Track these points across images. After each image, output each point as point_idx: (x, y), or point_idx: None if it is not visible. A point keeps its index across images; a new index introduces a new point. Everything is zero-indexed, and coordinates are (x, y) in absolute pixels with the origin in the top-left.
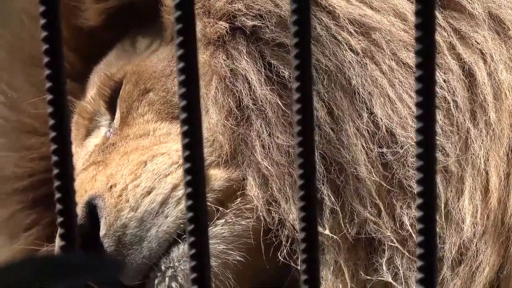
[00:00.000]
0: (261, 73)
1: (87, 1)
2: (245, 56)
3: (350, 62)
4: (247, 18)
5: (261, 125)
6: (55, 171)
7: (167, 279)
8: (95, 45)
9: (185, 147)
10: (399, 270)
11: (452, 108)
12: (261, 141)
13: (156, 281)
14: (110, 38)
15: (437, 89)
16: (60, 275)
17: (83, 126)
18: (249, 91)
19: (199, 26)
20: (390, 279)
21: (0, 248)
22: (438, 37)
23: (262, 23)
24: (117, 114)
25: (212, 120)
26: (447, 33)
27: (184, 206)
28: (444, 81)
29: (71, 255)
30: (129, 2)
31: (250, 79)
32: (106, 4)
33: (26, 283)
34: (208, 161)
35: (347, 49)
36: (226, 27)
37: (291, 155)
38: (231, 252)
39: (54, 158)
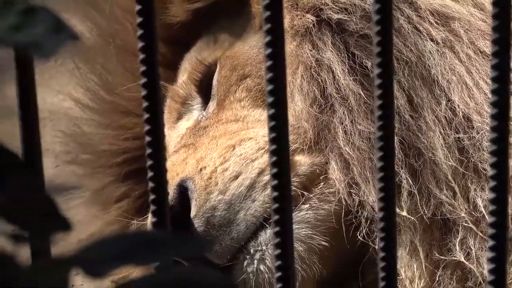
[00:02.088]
0: (345, 63)
1: (176, 1)
2: (330, 47)
3: (430, 52)
4: (333, 11)
5: (344, 113)
6: (148, 150)
7: (255, 261)
8: (183, 35)
9: (272, 130)
10: (472, 250)
11: None
12: (344, 127)
13: (245, 263)
14: (198, 28)
15: None
16: (152, 250)
17: (175, 109)
18: (333, 80)
19: (287, 18)
20: (462, 259)
21: (93, 218)
22: None
23: (347, 17)
24: (212, 98)
25: (298, 107)
26: None
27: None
28: None
29: (162, 232)
30: (215, 1)
31: (334, 69)
32: (193, 5)
33: (120, 257)
34: (293, 147)
35: (427, 39)
36: (313, 20)
37: (372, 141)
38: (315, 236)
39: (148, 139)
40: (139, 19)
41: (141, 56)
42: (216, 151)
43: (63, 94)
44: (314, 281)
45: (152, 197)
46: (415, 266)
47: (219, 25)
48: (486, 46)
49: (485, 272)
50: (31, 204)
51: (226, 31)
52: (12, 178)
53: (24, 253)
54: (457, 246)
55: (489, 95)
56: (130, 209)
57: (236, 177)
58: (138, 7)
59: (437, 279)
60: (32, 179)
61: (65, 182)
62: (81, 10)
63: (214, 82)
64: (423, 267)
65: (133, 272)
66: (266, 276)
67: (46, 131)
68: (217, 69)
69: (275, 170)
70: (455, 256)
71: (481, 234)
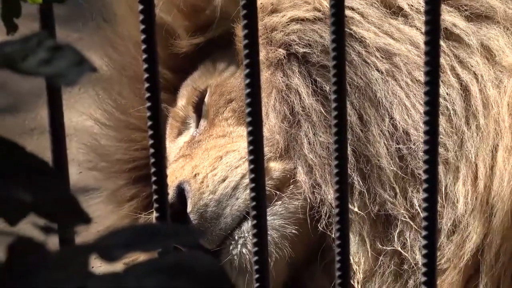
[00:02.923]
0: (308, 87)
1: (182, 36)
2: (297, 75)
3: (376, 80)
4: (299, 47)
5: (308, 127)
6: (152, 160)
7: (239, 246)
8: (185, 65)
9: (251, 143)
10: (407, 240)
11: (452, 115)
12: (308, 139)
13: (231, 247)
14: (196, 59)
15: (441, 100)
16: (155, 239)
17: (176, 127)
18: (299, 101)
19: (263, 52)
20: (399, 248)
21: (109, 214)
22: (442, 61)
23: (310, 51)
24: (204, 118)
25: (271, 123)
26: (449, 58)
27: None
28: (447, 94)
29: (163, 224)
30: (213, 37)
31: (301, 92)
32: (197, 39)
33: (130, 245)
34: (268, 156)
35: (374, 69)
36: (283, 53)
37: (330, 150)
38: (287, 226)
39: (151, 150)
40: (144, 55)
41: (146, 84)
42: (207, 161)
43: (85, 115)
44: (285, 261)
45: (155, 196)
46: (361, 253)
47: (212, 58)
48: (421, 76)
49: (418, 257)
50: (59, 202)
51: (217, 63)
52: (43, 182)
53: (52, 242)
54: (395, 238)
55: (423, 115)
56: (139, 206)
57: (223, 180)
58: (144, 46)
59: (378, 263)
60: (60, 182)
61: (87, 185)
62: (99, 47)
63: (206, 104)
64: (369, 254)
65: (140, 256)
66: (247, 257)
67: (71, 145)
68: (208, 94)
69: (253, 175)
70: (393, 246)
71: (415, 227)
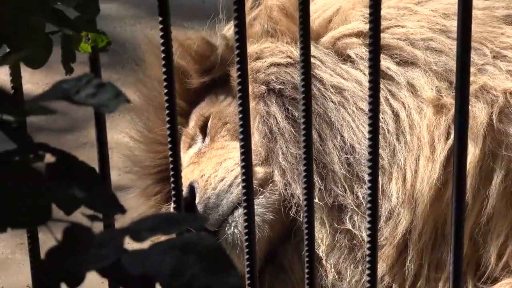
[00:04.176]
0: (283, 113)
1: (193, 76)
2: (274, 104)
3: (331, 108)
4: (276, 84)
5: (282, 142)
6: (171, 165)
7: (232, 227)
8: (195, 97)
9: (241, 153)
10: (356, 222)
11: (386, 133)
12: (282, 150)
13: (226, 228)
14: (202, 94)
15: (381, 125)
16: (173, 224)
17: (187, 142)
18: (276, 123)
19: (249, 88)
20: (350, 227)
21: (140, 205)
22: (381, 94)
23: (284, 86)
24: (207, 136)
25: (256, 139)
26: (385, 92)
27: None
28: (383, 118)
29: (179, 213)
30: (215, 77)
31: (277, 117)
32: (205, 79)
33: (155, 228)
34: (254, 163)
35: (329, 101)
36: (265, 88)
37: (298, 158)
38: (267, 213)
39: (170, 159)
40: (165, 90)
41: (166, 111)
42: (210, 166)
43: (123, 133)
44: (266, 240)
45: (173, 192)
46: (323, 232)
47: (214, 92)
48: (363, 106)
49: (364, 235)
50: (102, 197)
51: (217, 96)
52: (91, 182)
53: (97, 227)
54: (347, 220)
55: (366, 133)
56: (162, 200)
57: (222, 179)
58: (164, 83)
59: (336, 239)
60: (103, 183)
61: (124, 184)
62: (133, 85)
63: (209, 126)
64: (328, 232)
65: (162, 237)
66: (239, 236)
67: (113, 155)
68: (210, 119)
69: (243, 177)
70: (346, 226)
71: (361, 213)
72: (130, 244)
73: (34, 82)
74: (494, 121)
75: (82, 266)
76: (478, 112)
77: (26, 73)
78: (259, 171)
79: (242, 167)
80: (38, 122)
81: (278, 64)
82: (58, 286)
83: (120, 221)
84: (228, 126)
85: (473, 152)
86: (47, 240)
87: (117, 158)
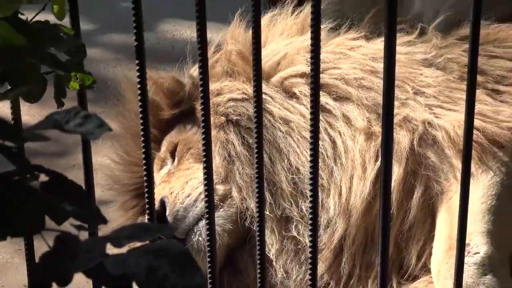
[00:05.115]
0: (239, 140)
1: (165, 109)
2: (232, 132)
3: (279, 137)
4: (233, 116)
5: (238, 164)
6: (145, 184)
7: (197, 236)
8: (166, 127)
9: (205, 174)
10: (300, 230)
11: (325, 157)
12: (239, 171)
13: (192, 236)
14: (173, 124)
15: (320, 151)
16: (147, 232)
17: (159, 165)
18: (233, 149)
19: (212, 119)
20: (295, 234)
21: (119, 217)
22: (321, 125)
23: (240, 118)
24: (176, 159)
25: (217, 161)
26: (324, 123)
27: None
28: (322, 145)
29: (152, 223)
30: (183, 110)
31: (234, 143)
32: (175, 111)
33: (131, 237)
34: (215, 181)
35: (278, 130)
36: (224, 119)
37: (252, 178)
38: (226, 223)
39: (145, 178)
40: (141, 122)
41: (142, 138)
42: (178, 184)
43: (106, 156)
44: (225, 245)
45: (147, 206)
46: (273, 238)
47: (182, 122)
48: (306, 135)
49: (306, 241)
50: (88, 210)
51: (185, 126)
52: (78, 198)
53: (83, 235)
54: (293, 228)
55: (308, 157)
56: (138, 212)
57: (188, 195)
58: (140, 115)
59: (284, 244)
60: (88, 198)
61: (106, 199)
62: (114, 116)
63: (177, 151)
64: (277, 239)
65: (137, 243)
66: (202, 243)
67: (97, 175)
68: (178, 145)
69: (206, 193)
70: (292, 234)
71: (304, 223)
72: (111, 250)
73: (31, 114)
74: (415, 146)
75: (71, 268)
76: (402, 139)
77: (24, 107)
78: (220, 188)
79: (205, 185)
80: (34, 148)
81: (235, 99)
82: (50, 286)
83: (103, 230)
84: (192, 151)
85: (397, 171)
86: (41, 246)
87: (100, 178)
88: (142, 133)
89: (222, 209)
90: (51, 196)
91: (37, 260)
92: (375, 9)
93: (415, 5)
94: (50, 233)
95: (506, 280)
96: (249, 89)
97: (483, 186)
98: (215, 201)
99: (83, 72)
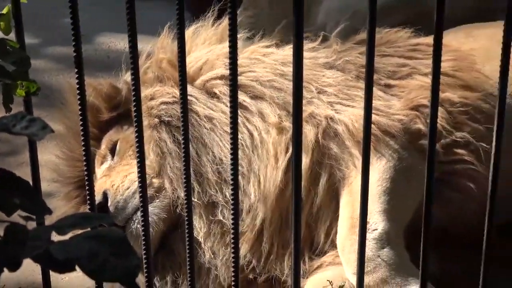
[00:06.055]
0: (170, 138)
1: (104, 111)
2: (164, 131)
3: (204, 133)
4: (165, 117)
5: (170, 159)
6: (86, 178)
7: (135, 224)
8: (106, 126)
9: (138, 167)
10: (225, 214)
11: (244, 148)
12: (170, 166)
13: (130, 224)
14: (111, 124)
15: (240, 142)
16: (89, 221)
17: (100, 161)
18: (165, 145)
19: (146, 121)
20: (221, 218)
21: (63, 207)
22: (239, 120)
23: (171, 118)
24: (116, 155)
25: (151, 157)
26: (242, 118)
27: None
28: (241, 137)
29: (93, 213)
30: (121, 112)
31: (166, 141)
32: (113, 113)
33: (74, 224)
34: (150, 175)
35: (203, 127)
36: (157, 120)
37: (181, 171)
38: (161, 212)
39: (85, 173)
40: (81, 122)
41: (82, 138)
42: (119, 178)
43: (51, 153)
44: (160, 231)
45: (88, 197)
46: (201, 222)
47: (120, 123)
48: (228, 130)
49: (229, 223)
50: (35, 203)
51: (122, 126)
52: (26, 192)
53: (31, 225)
54: (219, 213)
55: (230, 149)
56: (80, 202)
57: (127, 188)
58: (81, 117)
59: (211, 227)
60: (36, 192)
61: (51, 191)
62: (58, 118)
63: (117, 148)
64: (205, 223)
65: (80, 231)
66: (140, 230)
67: (43, 170)
68: (119, 142)
69: (141, 185)
70: (218, 218)
71: (228, 207)
72: (56, 237)
73: None
74: (320, 139)
75: (20, 254)
76: (308, 133)
77: None
78: (155, 181)
79: (139, 177)
80: None
81: (166, 103)
82: (1, 271)
83: (48, 219)
84: (133, 148)
85: (304, 161)
86: None
87: (46, 173)
88: (82, 132)
89: (158, 200)
90: (1, 191)
91: None
92: (285, 20)
93: (319, 18)
94: (1, 224)
95: (402, 252)
96: (178, 93)
97: (378, 171)
98: (152, 193)
99: (28, 81)
